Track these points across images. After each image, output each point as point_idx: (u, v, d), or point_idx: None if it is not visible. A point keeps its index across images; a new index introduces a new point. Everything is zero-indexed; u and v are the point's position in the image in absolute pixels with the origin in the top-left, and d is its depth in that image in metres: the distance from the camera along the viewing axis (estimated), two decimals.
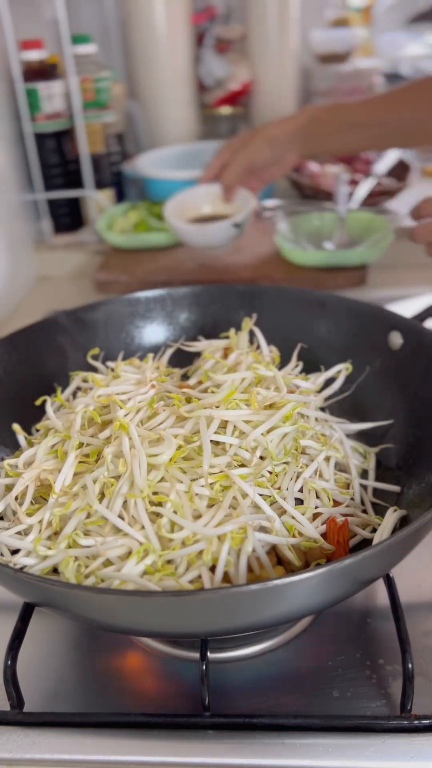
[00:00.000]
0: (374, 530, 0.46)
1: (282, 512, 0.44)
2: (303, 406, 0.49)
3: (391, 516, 0.45)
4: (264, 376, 0.51)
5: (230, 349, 0.57)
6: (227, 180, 0.88)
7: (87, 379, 0.57)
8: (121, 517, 0.43)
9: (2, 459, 0.51)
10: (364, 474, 0.52)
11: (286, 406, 0.47)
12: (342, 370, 0.57)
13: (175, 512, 0.42)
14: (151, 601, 0.34)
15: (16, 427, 0.53)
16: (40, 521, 0.44)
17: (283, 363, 0.59)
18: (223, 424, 0.47)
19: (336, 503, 0.47)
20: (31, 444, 0.52)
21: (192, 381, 0.55)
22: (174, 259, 0.98)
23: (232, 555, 0.41)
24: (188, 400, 0.52)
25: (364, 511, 0.49)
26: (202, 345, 0.61)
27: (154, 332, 0.65)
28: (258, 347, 0.59)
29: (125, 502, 0.43)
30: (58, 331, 0.60)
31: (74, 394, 0.58)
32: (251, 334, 0.60)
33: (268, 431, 0.46)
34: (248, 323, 0.60)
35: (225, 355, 0.57)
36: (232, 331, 0.60)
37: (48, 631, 0.48)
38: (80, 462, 0.47)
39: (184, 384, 0.54)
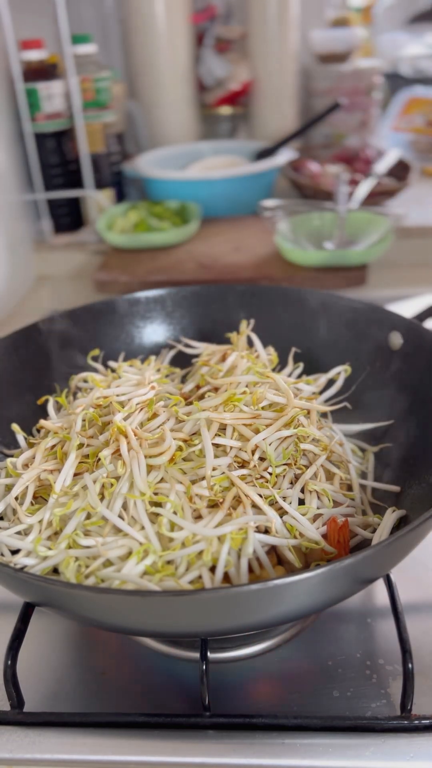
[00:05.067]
0: (375, 531, 0.46)
1: (283, 513, 0.44)
2: (306, 414, 0.49)
3: (390, 516, 0.45)
4: (265, 379, 0.51)
5: (229, 353, 0.57)
6: None
7: (87, 379, 0.57)
8: (120, 517, 0.43)
9: (5, 457, 0.51)
10: (363, 475, 0.52)
11: (289, 413, 0.47)
12: (341, 371, 0.57)
13: (174, 513, 0.42)
14: (151, 600, 0.34)
15: (15, 427, 0.53)
16: (41, 521, 0.44)
17: (282, 364, 0.59)
18: (223, 426, 0.47)
19: (336, 504, 0.47)
20: (30, 444, 0.52)
21: (189, 386, 0.55)
22: (174, 259, 0.98)
23: (232, 555, 0.41)
24: (188, 403, 0.52)
25: (364, 512, 0.49)
26: (201, 346, 0.61)
27: (154, 332, 0.65)
28: (256, 350, 0.59)
29: (125, 502, 0.43)
30: (58, 332, 0.60)
31: (75, 395, 0.58)
32: (249, 336, 0.60)
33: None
34: (245, 328, 0.59)
35: (223, 358, 0.56)
36: (234, 335, 0.60)
37: (48, 631, 0.48)
38: (80, 462, 0.47)
39: (183, 394, 0.54)
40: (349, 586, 0.38)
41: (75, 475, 0.46)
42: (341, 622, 0.47)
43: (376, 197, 1.06)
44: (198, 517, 0.43)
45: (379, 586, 0.48)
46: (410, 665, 0.40)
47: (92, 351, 0.61)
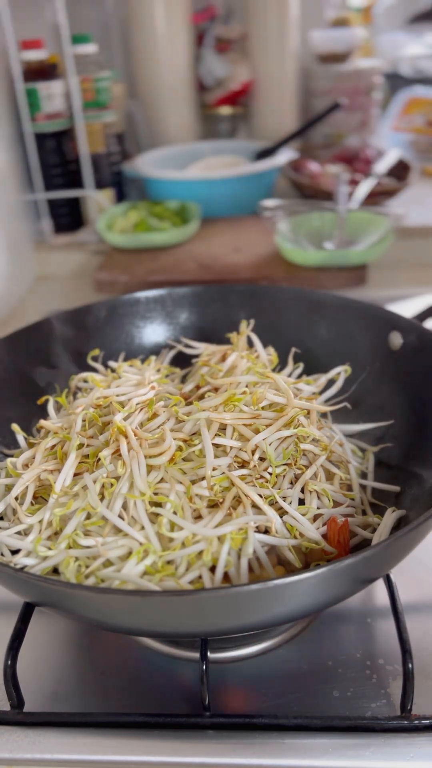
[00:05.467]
0: (375, 531, 0.46)
1: (283, 513, 0.44)
2: (306, 414, 0.49)
3: (390, 516, 0.45)
4: (265, 380, 0.51)
5: (229, 353, 0.57)
6: None
7: (87, 379, 0.57)
8: (120, 517, 0.43)
9: (5, 456, 0.51)
10: (363, 475, 0.52)
11: (289, 413, 0.47)
12: (341, 372, 0.57)
13: (174, 513, 0.42)
14: (151, 600, 0.34)
15: (15, 427, 0.53)
16: (41, 521, 0.44)
17: (282, 364, 0.59)
18: (223, 426, 0.47)
19: (336, 504, 0.47)
20: (30, 444, 0.52)
21: (189, 386, 0.55)
22: (174, 259, 0.98)
23: (232, 555, 0.41)
24: (188, 403, 0.52)
25: (364, 512, 0.49)
26: (201, 347, 0.61)
27: (154, 332, 0.65)
28: (255, 350, 0.59)
29: (125, 502, 0.43)
30: (58, 332, 0.60)
31: (74, 395, 0.58)
32: (249, 336, 0.60)
33: None
34: (245, 328, 0.59)
35: (223, 358, 0.56)
36: (234, 335, 0.60)
37: (48, 631, 0.48)
38: (80, 462, 0.47)
39: (183, 394, 0.54)
40: (349, 587, 0.38)
41: (75, 475, 0.46)
42: (341, 622, 0.47)
43: (376, 197, 1.06)
44: (198, 517, 0.43)
45: (379, 586, 0.48)
46: (410, 665, 0.40)
47: (92, 351, 0.61)
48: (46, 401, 0.55)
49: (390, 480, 0.50)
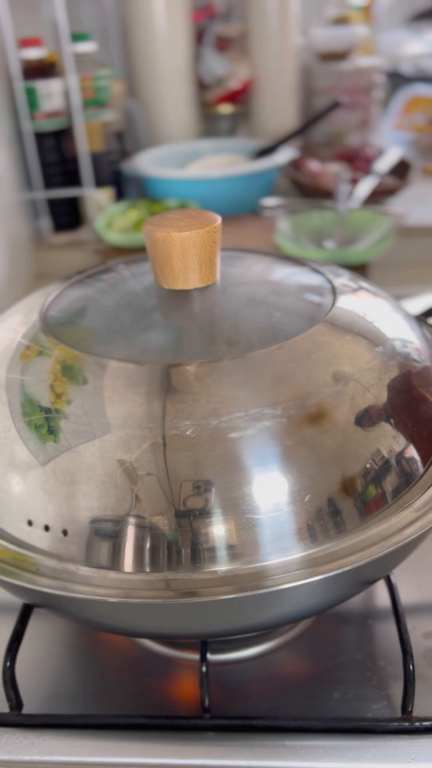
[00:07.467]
0: None
1: None
2: None
3: None
4: None
5: None
6: None
7: None
8: None
9: None
10: None
11: None
12: None
13: None
14: (151, 602, 0.33)
15: None
16: None
17: None
18: None
19: None
20: None
21: None
22: None
23: None
24: None
25: None
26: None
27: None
28: None
29: None
30: None
31: None
32: None
33: None
34: None
35: None
36: None
37: (47, 633, 0.48)
38: None
39: None
40: (349, 589, 0.38)
41: None
42: (342, 623, 0.47)
43: (377, 196, 1.05)
44: None
45: (380, 587, 0.48)
46: (411, 667, 0.39)
47: None
48: None
49: None
